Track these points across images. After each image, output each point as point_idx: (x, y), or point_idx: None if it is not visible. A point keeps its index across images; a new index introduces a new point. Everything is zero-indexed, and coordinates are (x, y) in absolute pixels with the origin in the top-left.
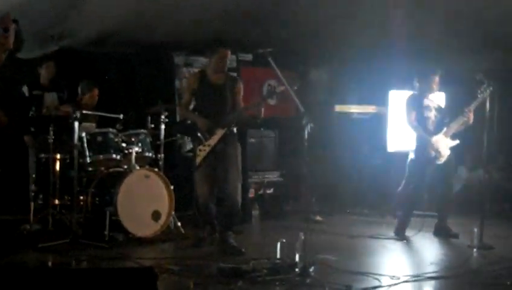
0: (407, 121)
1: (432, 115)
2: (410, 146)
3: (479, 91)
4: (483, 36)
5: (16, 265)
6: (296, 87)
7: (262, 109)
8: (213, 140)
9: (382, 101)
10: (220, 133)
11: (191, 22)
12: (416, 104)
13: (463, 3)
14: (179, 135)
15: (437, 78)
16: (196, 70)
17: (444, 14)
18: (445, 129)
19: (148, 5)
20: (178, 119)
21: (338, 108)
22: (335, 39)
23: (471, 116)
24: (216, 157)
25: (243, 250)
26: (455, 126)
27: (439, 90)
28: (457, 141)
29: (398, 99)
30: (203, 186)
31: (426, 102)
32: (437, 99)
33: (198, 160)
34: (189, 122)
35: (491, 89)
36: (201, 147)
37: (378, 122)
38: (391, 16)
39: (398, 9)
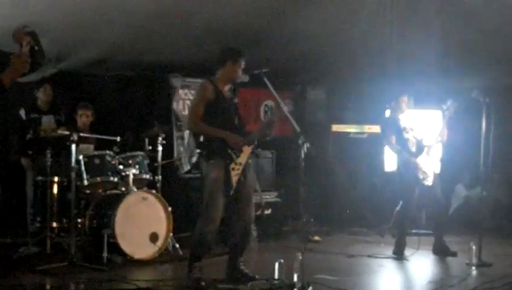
0: (387, 144)
1: (410, 136)
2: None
3: (444, 108)
4: (479, 54)
5: (14, 288)
6: (289, 109)
7: (275, 127)
8: (242, 158)
9: (379, 121)
10: (247, 150)
11: (187, 43)
12: (394, 127)
13: (459, 22)
14: (177, 156)
15: (405, 99)
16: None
17: (441, 33)
18: (426, 149)
19: (145, 28)
20: (188, 134)
21: (335, 128)
22: (332, 59)
23: (445, 132)
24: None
25: (257, 277)
26: (432, 144)
27: (435, 108)
28: (437, 158)
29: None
30: (219, 210)
31: (403, 124)
32: (410, 119)
33: (234, 180)
34: (201, 138)
35: (455, 104)
36: (233, 165)
37: (375, 141)
38: (388, 35)
39: (396, 28)
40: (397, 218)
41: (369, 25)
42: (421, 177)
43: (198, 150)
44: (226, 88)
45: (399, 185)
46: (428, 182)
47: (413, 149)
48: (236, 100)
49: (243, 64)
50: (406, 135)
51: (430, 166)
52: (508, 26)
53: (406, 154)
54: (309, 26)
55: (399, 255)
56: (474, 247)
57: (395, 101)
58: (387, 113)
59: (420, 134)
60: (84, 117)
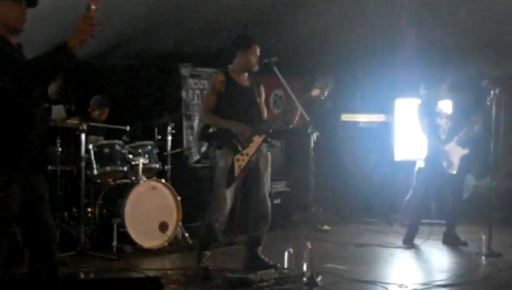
0: (420, 128)
1: (443, 122)
2: (417, 155)
3: (488, 99)
4: (489, 44)
5: (24, 277)
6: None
7: (297, 116)
8: (251, 148)
9: (389, 110)
10: (257, 140)
11: (197, 32)
12: (427, 111)
13: (470, 11)
14: (186, 146)
15: (446, 85)
16: (217, 73)
17: (451, 22)
18: (456, 138)
19: (155, 16)
20: (199, 126)
21: (344, 117)
22: (341, 48)
23: (480, 124)
24: (249, 167)
25: (278, 265)
26: (464, 135)
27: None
28: (467, 150)
29: (404, 107)
30: (227, 202)
31: (437, 109)
32: (447, 107)
33: (237, 171)
34: (212, 129)
35: (497, 95)
36: (238, 156)
37: (384, 131)
38: (398, 24)
39: (405, 17)
40: (408, 207)
41: (379, 14)
42: (445, 164)
43: (201, 142)
44: (243, 77)
45: (421, 172)
46: (452, 170)
47: (443, 136)
48: (258, 88)
49: (256, 51)
50: (439, 121)
51: (457, 156)
52: None
53: (434, 139)
54: (319, 14)
55: (409, 245)
56: (484, 237)
57: (435, 86)
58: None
59: (456, 123)
60: (105, 114)
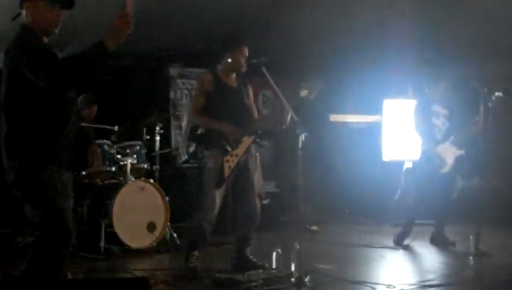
0: (415, 127)
1: (439, 122)
2: (405, 155)
3: (489, 103)
4: (483, 45)
5: (12, 277)
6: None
7: (288, 117)
8: (240, 149)
9: (377, 111)
10: (247, 141)
11: (186, 33)
12: (425, 110)
13: (457, 11)
14: (174, 146)
15: (444, 84)
16: (207, 73)
17: (440, 22)
18: (452, 138)
19: (144, 16)
20: (187, 127)
21: (333, 117)
22: (330, 49)
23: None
24: (238, 168)
25: (266, 265)
26: (463, 135)
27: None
28: (462, 151)
29: (393, 108)
30: (216, 203)
31: (435, 108)
32: (447, 106)
33: (226, 172)
34: (200, 130)
35: (499, 95)
36: (228, 157)
37: (373, 131)
38: (387, 26)
39: (394, 19)
40: (403, 207)
41: (369, 15)
42: (438, 164)
43: (189, 143)
44: (232, 77)
45: (416, 172)
46: (444, 170)
47: (439, 136)
48: (246, 89)
49: (245, 52)
50: (435, 121)
51: (451, 156)
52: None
53: (426, 138)
54: (308, 15)
55: (400, 245)
56: (472, 237)
57: (434, 85)
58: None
59: (454, 123)
60: (93, 112)
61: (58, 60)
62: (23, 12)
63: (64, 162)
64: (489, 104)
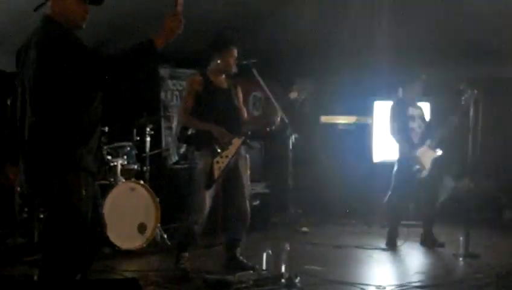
0: (390, 131)
1: (415, 125)
2: (395, 156)
3: (462, 98)
4: (465, 46)
5: (1, 278)
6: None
7: (278, 118)
8: (230, 151)
9: (367, 112)
10: (237, 143)
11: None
12: (401, 114)
13: (445, 14)
14: (165, 147)
15: (420, 84)
16: (196, 75)
17: (428, 24)
18: (429, 141)
19: (133, 17)
20: (177, 128)
21: (323, 119)
22: (320, 50)
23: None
24: (229, 170)
25: (257, 266)
26: (440, 136)
27: (424, 100)
28: (440, 152)
29: (383, 109)
30: (206, 204)
31: (411, 111)
32: (422, 108)
33: (216, 173)
34: (190, 131)
35: (474, 95)
36: (218, 158)
37: (363, 132)
38: (376, 27)
39: (383, 20)
40: (388, 209)
41: (358, 17)
42: (416, 168)
43: (180, 144)
44: (221, 79)
45: (396, 175)
46: (423, 174)
47: (416, 140)
48: (235, 90)
49: (234, 53)
50: (412, 124)
51: (429, 159)
52: (494, 18)
53: (404, 144)
54: (298, 17)
55: (392, 246)
56: (461, 238)
57: (409, 85)
58: (380, 102)
59: (430, 125)
60: None
61: (101, 57)
62: (49, 3)
63: (92, 168)
64: (472, 105)
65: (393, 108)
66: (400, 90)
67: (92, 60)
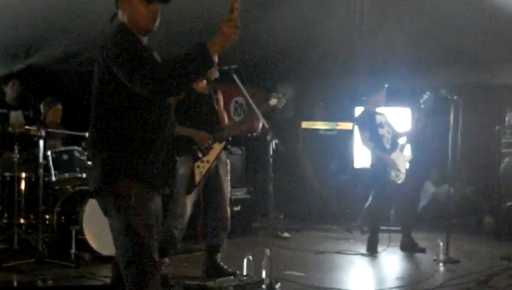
0: (361, 141)
1: (385, 132)
2: (368, 163)
3: (421, 101)
4: (446, 52)
5: None
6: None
7: (260, 124)
8: (211, 155)
9: (348, 118)
10: (217, 148)
11: (157, 40)
12: (370, 123)
13: (428, 20)
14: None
15: (383, 93)
16: None
17: (410, 30)
18: (399, 146)
19: (114, 23)
20: None
21: (304, 124)
22: (302, 56)
23: (419, 125)
24: (209, 175)
25: (237, 272)
26: (405, 137)
27: (405, 105)
28: (410, 155)
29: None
30: (186, 209)
31: (378, 119)
32: (385, 114)
33: (197, 178)
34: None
35: (432, 98)
36: (199, 163)
37: (344, 138)
38: (358, 33)
39: (365, 26)
40: (368, 215)
41: (339, 22)
42: (394, 174)
43: None
44: (202, 84)
45: (371, 182)
46: (401, 179)
47: (388, 146)
48: (216, 95)
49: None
50: (381, 131)
51: (403, 163)
52: (475, 25)
53: (379, 152)
54: (279, 23)
55: (372, 252)
56: (441, 243)
57: (374, 95)
58: (361, 108)
59: (395, 130)
60: (57, 112)
61: (157, 63)
62: (119, 11)
63: (151, 180)
64: (458, 111)
65: (360, 118)
66: (364, 99)
67: (145, 65)
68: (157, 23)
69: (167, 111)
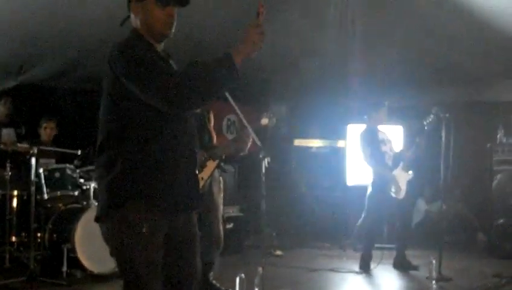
0: (363, 158)
1: (387, 149)
2: (369, 180)
3: (425, 122)
4: (438, 70)
5: None
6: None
7: (249, 143)
8: (205, 173)
9: (341, 135)
10: (211, 165)
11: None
12: (373, 139)
13: (419, 38)
14: None
15: (385, 110)
16: None
17: (401, 49)
18: (402, 163)
19: (105, 41)
20: None
21: (297, 142)
22: (294, 74)
23: (422, 145)
24: (203, 193)
25: None
26: (410, 158)
27: (396, 123)
28: (411, 173)
29: (356, 133)
30: None
31: (380, 136)
32: (388, 132)
33: None
34: None
35: (435, 119)
36: None
37: (337, 156)
38: (349, 51)
39: (357, 45)
40: (363, 232)
41: (331, 41)
42: (394, 190)
43: None
44: None
45: (371, 199)
46: (400, 196)
47: (390, 163)
48: (208, 114)
49: None
50: (384, 148)
51: (404, 181)
52: (467, 43)
53: (381, 169)
54: (272, 41)
55: (366, 269)
56: (434, 261)
57: (374, 113)
58: (353, 126)
59: (397, 147)
60: (48, 130)
61: (174, 73)
62: (131, 15)
63: (171, 206)
64: (449, 129)
65: (363, 135)
66: (366, 117)
67: (160, 75)
68: (173, 28)
69: (185, 125)
